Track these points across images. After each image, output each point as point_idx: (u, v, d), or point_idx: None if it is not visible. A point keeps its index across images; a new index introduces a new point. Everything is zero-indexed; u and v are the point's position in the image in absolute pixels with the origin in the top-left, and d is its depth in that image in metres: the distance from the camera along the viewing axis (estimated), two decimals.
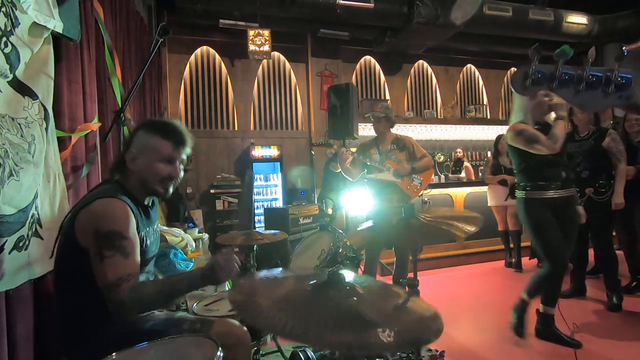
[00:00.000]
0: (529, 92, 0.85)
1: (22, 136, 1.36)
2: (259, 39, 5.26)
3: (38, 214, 1.45)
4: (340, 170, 4.50)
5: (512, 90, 0.90)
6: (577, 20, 5.95)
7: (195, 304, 1.53)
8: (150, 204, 1.37)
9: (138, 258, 1.18)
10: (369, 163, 3.05)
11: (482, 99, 7.26)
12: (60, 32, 1.62)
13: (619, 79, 0.80)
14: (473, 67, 7.20)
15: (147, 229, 1.32)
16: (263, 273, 1.05)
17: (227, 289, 2.28)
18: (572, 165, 2.99)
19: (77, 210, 1.19)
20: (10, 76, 1.31)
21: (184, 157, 1.34)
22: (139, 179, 1.29)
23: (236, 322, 1.31)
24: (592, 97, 0.82)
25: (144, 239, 1.27)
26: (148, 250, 1.31)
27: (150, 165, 1.27)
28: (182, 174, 1.35)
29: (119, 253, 1.12)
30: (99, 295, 1.12)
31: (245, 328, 1.31)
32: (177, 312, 1.31)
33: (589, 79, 0.80)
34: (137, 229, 1.22)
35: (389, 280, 2.73)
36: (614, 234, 3.19)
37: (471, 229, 1.31)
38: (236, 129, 5.88)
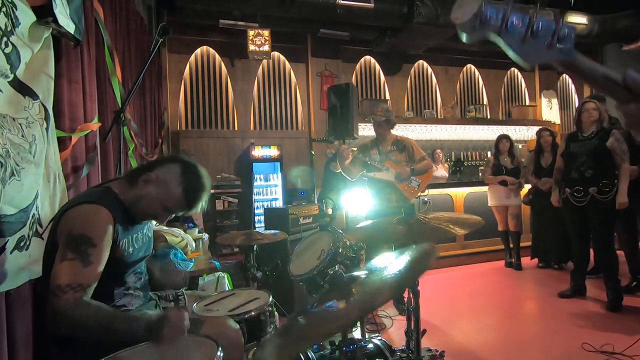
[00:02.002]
0: (476, 37, 0.73)
1: (23, 136, 1.36)
2: (258, 39, 5.27)
3: (39, 214, 1.45)
4: (340, 170, 4.50)
5: (460, 33, 0.70)
6: (577, 20, 5.95)
7: (195, 304, 1.53)
8: (138, 221, 1.36)
9: (98, 271, 1.12)
10: (369, 162, 3.06)
11: (482, 99, 7.26)
12: (72, 32, 1.62)
13: (564, 30, 0.68)
14: (473, 67, 7.21)
15: (132, 236, 1.30)
16: None
17: (227, 288, 2.29)
18: (576, 164, 2.99)
19: (62, 211, 1.18)
20: (11, 76, 1.31)
21: (174, 215, 1.32)
22: (136, 198, 1.27)
23: (229, 322, 1.30)
24: (535, 47, 0.71)
25: (126, 247, 1.25)
26: (132, 256, 1.29)
27: (153, 200, 1.25)
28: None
29: (80, 259, 1.08)
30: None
31: (238, 327, 1.30)
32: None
33: (537, 26, 0.68)
34: (116, 238, 1.20)
35: None
36: (614, 233, 3.20)
37: (463, 231, 1.31)
38: (236, 129, 5.89)
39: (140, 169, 1.31)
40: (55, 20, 1.49)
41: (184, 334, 1.06)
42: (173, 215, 1.32)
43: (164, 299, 1.58)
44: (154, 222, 2.33)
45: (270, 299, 1.55)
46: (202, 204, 1.30)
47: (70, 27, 1.60)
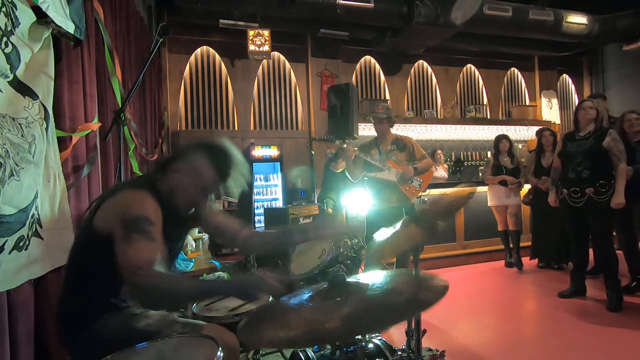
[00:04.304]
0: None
1: (22, 136, 1.36)
2: (258, 39, 5.26)
3: (38, 214, 1.45)
4: (340, 170, 4.50)
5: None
6: (577, 20, 5.95)
7: (194, 304, 1.52)
8: (182, 213, 1.33)
9: (161, 245, 1.16)
10: (370, 161, 3.04)
11: (482, 99, 7.26)
12: (72, 32, 1.63)
13: None
14: (473, 67, 7.20)
15: (170, 230, 1.27)
16: None
17: None
18: (572, 164, 2.98)
19: (101, 200, 1.20)
20: (11, 76, 1.31)
21: (215, 196, 1.34)
22: (170, 189, 1.26)
23: (227, 331, 1.27)
24: None
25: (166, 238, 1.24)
26: (169, 250, 1.29)
27: (188, 186, 1.25)
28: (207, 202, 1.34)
29: (145, 237, 1.10)
30: (104, 288, 1.15)
31: (234, 335, 1.25)
32: (172, 314, 1.28)
33: None
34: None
35: None
36: (614, 233, 3.19)
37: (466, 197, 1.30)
38: (236, 129, 5.88)
39: (168, 159, 1.30)
40: (53, 20, 1.49)
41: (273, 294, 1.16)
42: (214, 197, 1.33)
43: None
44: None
45: (271, 299, 1.55)
46: (238, 175, 1.28)
47: (69, 27, 1.60)
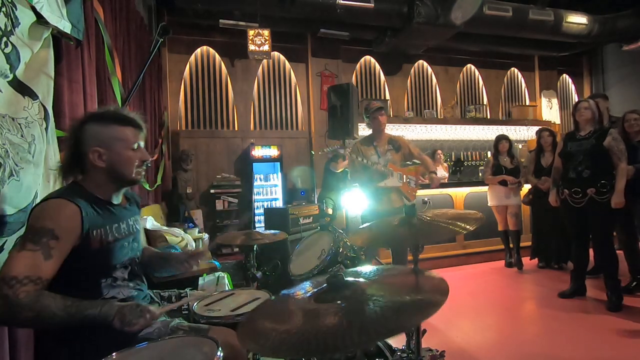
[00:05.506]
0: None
1: (22, 136, 1.36)
2: (259, 39, 5.26)
3: None
4: (340, 170, 4.49)
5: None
6: (577, 20, 5.96)
7: (195, 304, 1.51)
8: (123, 202, 1.33)
9: (57, 266, 1.08)
10: (370, 166, 2.98)
11: (482, 99, 7.26)
12: (68, 32, 1.62)
13: None
14: (473, 67, 7.21)
15: (112, 225, 1.24)
16: None
17: (227, 288, 2.28)
18: (573, 164, 2.98)
19: (30, 211, 1.16)
20: (11, 76, 1.31)
21: (142, 143, 1.30)
22: (107, 174, 1.24)
23: (233, 332, 1.25)
24: None
25: (104, 236, 1.20)
26: (116, 245, 1.23)
27: (121, 156, 1.24)
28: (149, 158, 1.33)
29: (42, 252, 1.04)
30: (89, 296, 1.11)
31: None
32: (174, 320, 1.27)
33: None
34: (88, 230, 1.15)
35: None
36: (614, 233, 3.19)
37: (470, 227, 1.29)
38: (236, 129, 5.89)
39: (72, 155, 1.26)
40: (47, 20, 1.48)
41: (143, 323, 1.09)
42: (142, 144, 1.29)
43: (167, 300, 1.56)
44: (153, 219, 2.27)
45: (273, 298, 1.54)
46: (140, 120, 1.30)
47: (66, 27, 1.60)
